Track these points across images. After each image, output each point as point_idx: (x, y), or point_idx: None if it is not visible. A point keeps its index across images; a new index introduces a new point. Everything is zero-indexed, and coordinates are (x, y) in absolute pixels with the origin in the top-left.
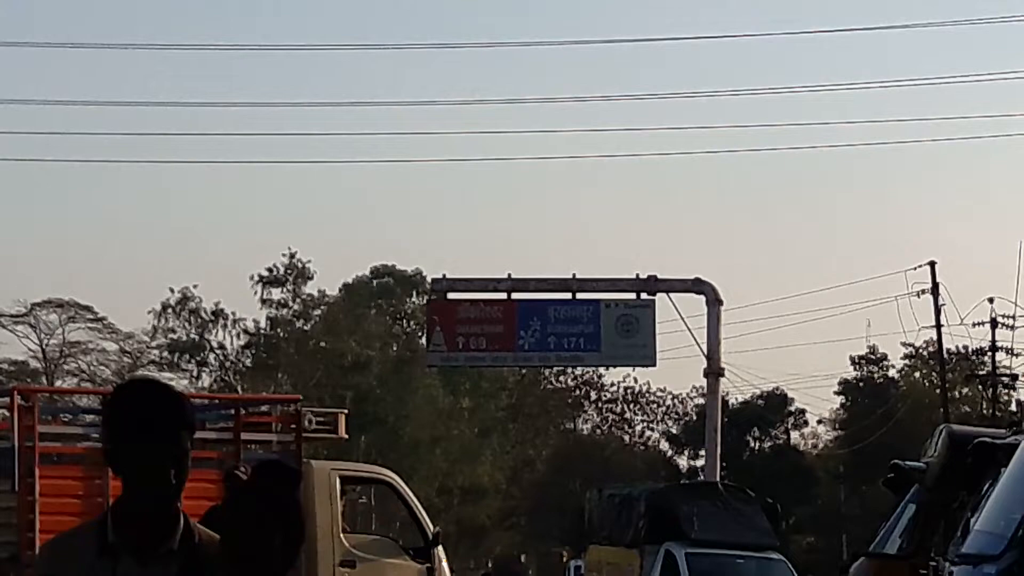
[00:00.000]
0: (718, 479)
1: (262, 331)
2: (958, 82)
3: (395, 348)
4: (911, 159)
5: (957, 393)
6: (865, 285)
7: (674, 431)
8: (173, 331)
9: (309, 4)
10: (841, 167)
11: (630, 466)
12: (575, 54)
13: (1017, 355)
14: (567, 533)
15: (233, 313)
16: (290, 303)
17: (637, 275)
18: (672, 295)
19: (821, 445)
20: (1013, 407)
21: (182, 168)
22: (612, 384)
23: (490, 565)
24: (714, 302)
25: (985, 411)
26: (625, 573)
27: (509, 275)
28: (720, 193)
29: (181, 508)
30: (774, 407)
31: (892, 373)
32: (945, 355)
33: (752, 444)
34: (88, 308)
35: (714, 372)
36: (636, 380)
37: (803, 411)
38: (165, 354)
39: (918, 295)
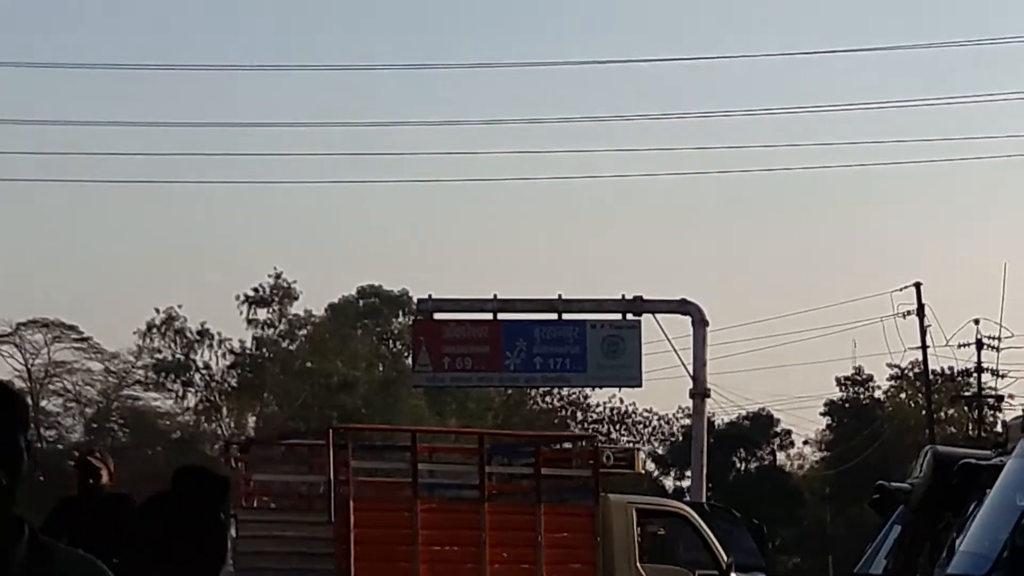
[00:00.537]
0: (704, 500)
1: (248, 351)
2: (945, 103)
3: (381, 368)
4: (897, 180)
5: (943, 414)
6: (851, 306)
7: (660, 452)
8: (159, 351)
9: (294, 24)
10: (827, 188)
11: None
12: (560, 74)
13: (1002, 376)
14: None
15: (219, 333)
16: (276, 323)
17: (623, 296)
18: (658, 316)
19: (807, 466)
20: (998, 428)
21: (167, 187)
22: (598, 405)
23: None
24: (700, 323)
25: (971, 432)
26: None
27: (495, 296)
28: (706, 214)
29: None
30: (760, 428)
31: (878, 394)
32: (931, 376)
33: (738, 465)
34: (73, 328)
35: (700, 393)
36: (622, 401)
37: (789, 432)
38: (151, 374)
39: (904, 316)
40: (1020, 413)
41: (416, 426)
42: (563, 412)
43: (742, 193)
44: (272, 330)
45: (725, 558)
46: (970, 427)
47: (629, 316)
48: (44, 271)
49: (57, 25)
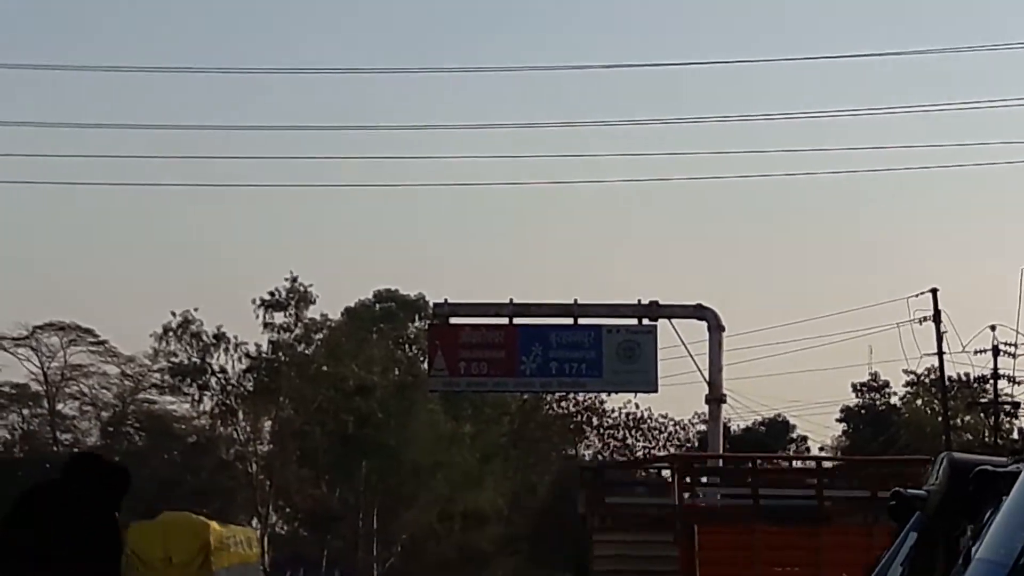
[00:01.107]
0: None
1: (264, 355)
2: (961, 109)
3: (397, 373)
4: (914, 186)
5: (959, 421)
6: (867, 312)
7: None
8: (175, 354)
9: (313, 28)
10: (844, 194)
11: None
12: (570, 79)
13: (1019, 383)
14: (569, 560)
15: (235, 337)
16: (292, 327)
17: (639, 301)
18: (674, 321)
19: None
20: (1015, 435)
21: (184, 191)
22: (613, 410)
23: None
24: (716, 328)
25: (987, 439)
26: None
27: (511, 300)
28: (722, 220)
29: None
30: (776, 433)
31: (894, 400)
32: (947, 382)
33: None
34: (89, 331)
35: (716, 398)
36: (637, 406)
37: (805, 438)
38: (166, 377)
39: (920, 322)
40: None
41: (756, 453)
42: (579, 417)
43: (759, 199)
44: (288, 334)
45: None
46: (986, 434)
47: (645, 321)
48: (61, 274)
49: (69, 30)
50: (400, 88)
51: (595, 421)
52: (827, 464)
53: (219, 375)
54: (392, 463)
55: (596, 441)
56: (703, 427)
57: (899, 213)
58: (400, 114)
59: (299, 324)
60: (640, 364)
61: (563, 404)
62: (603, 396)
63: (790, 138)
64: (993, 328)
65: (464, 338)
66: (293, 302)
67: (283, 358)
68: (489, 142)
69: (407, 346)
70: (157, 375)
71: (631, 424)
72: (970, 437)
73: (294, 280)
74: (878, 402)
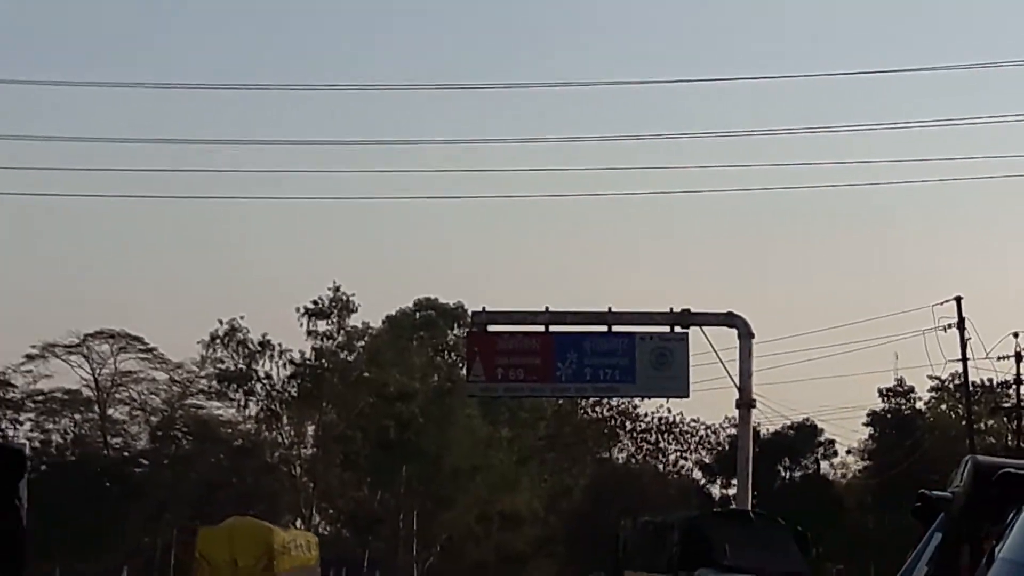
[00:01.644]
0: (750, 507)
1: (307, 362)
2: (987, 123)
3: (436, 379)
4: (940, 197)
5: (983, 425)
6: (893, 319)
7: (707, 460)
8: (221, 361)
9: (358, 46)
10: (871, 204)
11: (664, 494)
12: (603, 94)
13: None
14: (603, 561)
15: (279, 344)
16: (335, 335)
17: (671, 309)
18: (705, 328)
19: (850, 475)
20: None
21: (230, 203)
22: (646, 414)
23: None
24: (746, 335)
25: (1010, 443)
26: None
27: (547, 308)
28: (752, 230)
29: None
30: (804, 438)
31: (919, 405)
32: (971, 388)
33: (783, 473)
34: (139, 339)
35: (746, 403)
36: (670, 411)
37: (832, 442)
38: (213, 383)
39: (944, 329)
40: None
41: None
42: (612, 422)
43: (788, 209)
44: (331, 341)
45: None
46: (1009, 438)
47: (677, 329)
48: (111, 284)
49: (130, 54)
50: (439, 105)
51: (628, 425)
52: None
53: (264, 381)
54: (431, 466)
55: (629, 444)
56: (733, 431)
57: (925, 223)
58: (439, 129)
59: (341, 332)
60: (672, 370)
61: (597, 409)
62: (636, 401)
63: (818, 151)
64: (1016, 335)
65: (501, 345)
66: (336, 310)
67: (326, 365)
68: (526, 157)
69: (446, 353)
70: (204, 381)
71: (663, 428)
72: (993, 441)
73: (337, 289)
74: (904, 407)
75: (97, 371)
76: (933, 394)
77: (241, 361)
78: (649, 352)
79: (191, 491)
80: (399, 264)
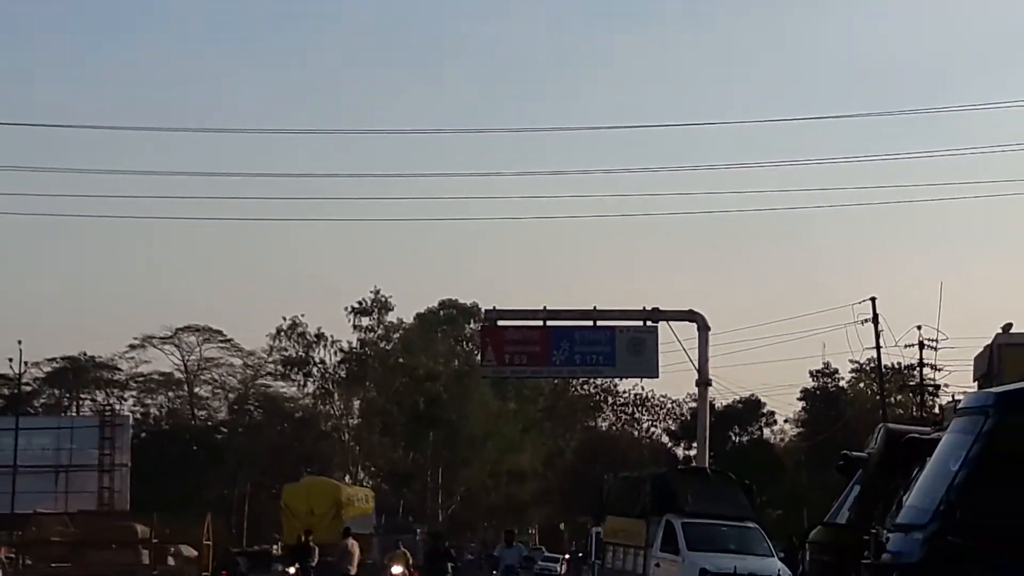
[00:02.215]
0: (707, 465)
1: (354, 350)
2: (897, 159)
3: (456, 363)
4: (859, 219)
5: (893, 399)
6: (821, 315)
7: (672, 428)
8: (285, 349)
9: (405, 96)
10: (805, 225)
11: (638, 455)
12: (589, 137)
13: (939, 370)
14: (590, 507)
15: (331, 336)
16: (375, 328)
17: (644, 307)
18: (671, 323)
19: (787, 439)
20: (936, 411)
21: (293, 224)
22: (624, 392)
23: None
24: (704, 328)
25: (915, 414)
26: (634, 538)
27: (544, 307)
28: (711, 244)
29: None
30: (750, 410)
31: (842, 384)
32: (883, 370)
33: (733, 438)
34: (219, 332)
35: (703, 382)
36: (643, 389)
37: (773, 413)
38: (279, 367)
39: (862, 323)
40: (952, 399)
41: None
42: (597, 397)
43: (739, 228)
44: (372, 334)
45: None
46: (914, 409)
47: (648, 323)
48: (198, 288)
49: (214, 102)
50: (458, 145)
51: (610, 400)
52: None
53: (319, 365)
54: (453, 433)
55: (611, 415)
56: (693, 405)
57: (848, 240)
58: (458, 166)
59: (381, 326)
60: (645, 356)
61: (585, 387)
62: (616, 381)
63: (763, 182)
64: (919, 328)
65: (508, 336)
66: (376, 309)
67: (368, 352)
68: (527, 187)
69: (464, 343)
70: (271, 365)
71: (638, 402)
72: (901, 412)
73: (377, 292)
74: (830, 385)
75: (186, 358)
76: (853, 375)
77: (301, 349)
78: (626, 342)
79: (261, 454)
80: (427, 272)
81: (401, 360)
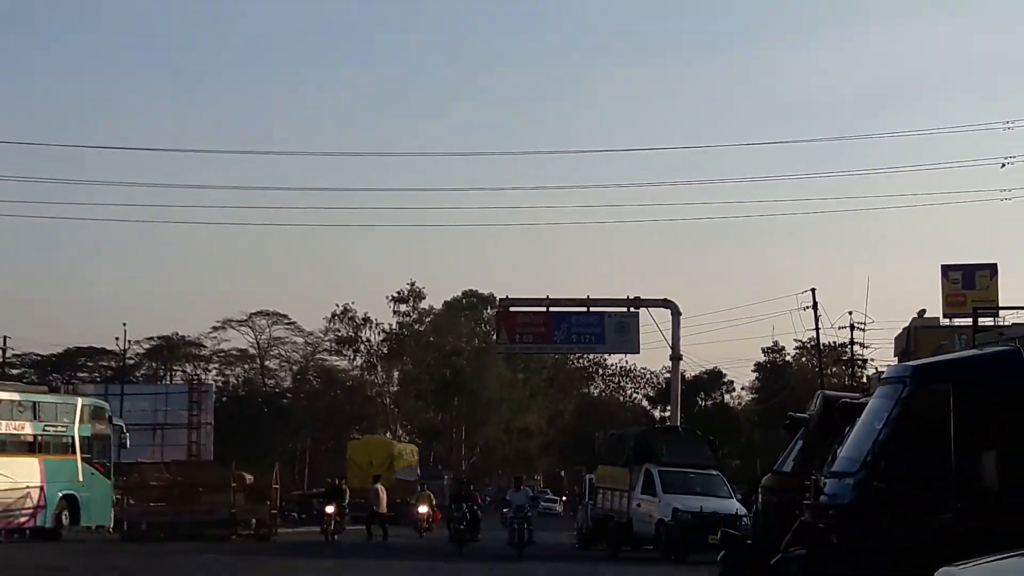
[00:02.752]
0: (679, 424)
1: (394, 331)
2: (828, 177)
3: (476, 342)
4: (803, 222)
5: (829, 371)
6: (771, 303)
7: (651, 394)
8: (338, 330)
9: (423, 117)
10: (760, 228)
11: (623, 416)
12: (583, 158)
13: (866, 347)
14: (585, 457)
15: (376, 319)
16: (411, 313)
17: (628, 296)
18: (650, 309)
19: (743, 404)
20: (864, 380)
21: (348, 230)
22: (612, 365)
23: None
24: (676, 313)
25: (847, 383)
26: (620, 483)
27: (548, 296)
28: (683, 244)
29: None
30: (714, 379)
31: (788, 359)
32: (821, 347)
33: (700, 403)
34: (285, 316)
35: (676, 357)
36: (627, 362)
37: (732, 382)
38: (333, 345)
39: (805, 309)
40: (877, 371)
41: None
42: (590, 369)
43: (706, 233)
44: (408, 318)
45: None
46: (846, 379)
47: (631, 309)
48: (269, 280)
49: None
50: (474, 165)
51: (600, 372)
52: None
53: (366, 343)
54: (473, 398)
55: (601, 384)
56: (668, 375)
57: (793, 240)
58: (475, 182)
59: (415, 311)
60: (629, 336)
61: (580, 361)
62: (605, 356)
63: (728, 195)
64: (851, 313)
65: (519, 320)
66: (412, 298)
67: (405, 333)
68: (533, 199)
69: (483, 325)
70: (327, 343)
71: (623, 373)
72: (836, 381)
73: (412, 284)
74: (778, 360)
75: (258, 337)
76: (797, 351)
77: (351, 330)
78: (613, 325)
79: (318, 415)
80: (454, 268)
81: (432, 339)
